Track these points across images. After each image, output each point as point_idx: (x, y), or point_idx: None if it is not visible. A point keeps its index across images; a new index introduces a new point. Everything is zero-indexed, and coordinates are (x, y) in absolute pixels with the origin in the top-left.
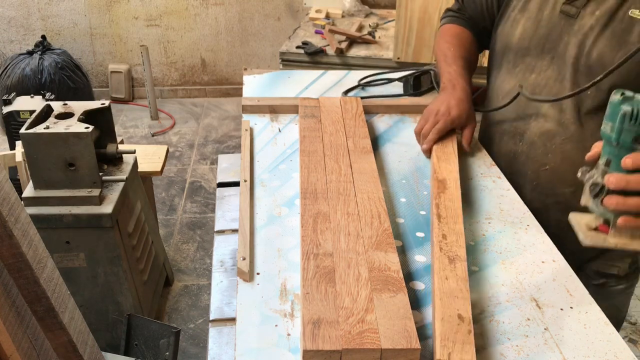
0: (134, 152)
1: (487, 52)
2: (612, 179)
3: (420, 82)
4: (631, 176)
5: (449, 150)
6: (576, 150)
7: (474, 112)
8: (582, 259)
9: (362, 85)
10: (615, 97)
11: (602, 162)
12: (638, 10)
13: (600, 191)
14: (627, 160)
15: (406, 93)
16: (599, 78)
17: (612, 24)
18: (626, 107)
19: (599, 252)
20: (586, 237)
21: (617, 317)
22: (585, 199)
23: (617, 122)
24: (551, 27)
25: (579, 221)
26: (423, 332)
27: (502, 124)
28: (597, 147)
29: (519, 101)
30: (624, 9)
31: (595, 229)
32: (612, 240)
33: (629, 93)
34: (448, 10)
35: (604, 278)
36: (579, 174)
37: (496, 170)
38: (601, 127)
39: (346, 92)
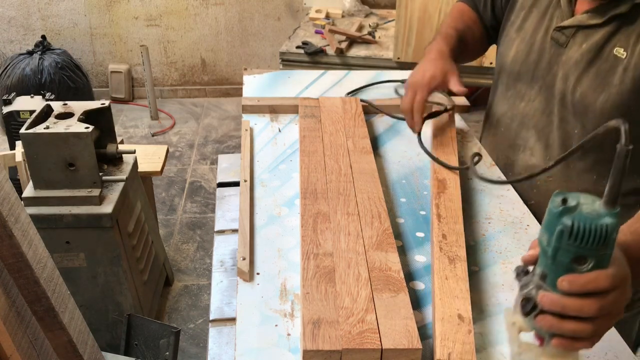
0: (134, 152)
1: (486, 53)
2: (546, 300)
3: None
4: (568, 300)
5: (449, 151)
6: (560, 189)
7: (453, 64)
8: None
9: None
10: (555, 204)
11: (538, 271)
12: (622, 49)
13: (532, 308)
14: (563, 283)
15: None
16: (562, 155)
17: (597, 61)
18: (566, 222)
19: None
20: (517, 352)
21: (627, 344)
22: (516, 310)
23: (554, 238)
24: (541, 54)
25: (512, 322)
26: (423, 332)
27: (496, 151)
28: (535, 246)
29: (509, 129)
30: (610, 46)
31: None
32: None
33: (572, 200)
34: None
35: None
36: (513, 275)
37: (496, 170)
38: (538, 234)
39: (350, 93)
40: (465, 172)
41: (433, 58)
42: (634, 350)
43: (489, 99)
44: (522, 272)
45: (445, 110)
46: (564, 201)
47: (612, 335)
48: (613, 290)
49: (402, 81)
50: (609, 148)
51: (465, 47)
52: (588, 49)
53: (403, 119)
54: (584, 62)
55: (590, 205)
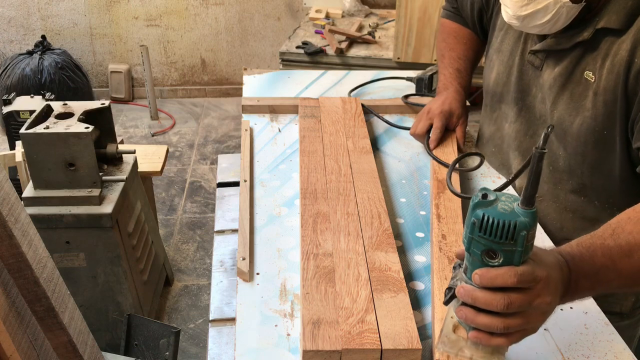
0: (134, 152)
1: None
2: (461, 291)
3: (432, 81)
4: (479, 293)
5: (449, 151)
6: (549, 209)
7: (467, 110)
8: None
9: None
10: (475, 198)
11: (463, 265)
12: (592, 73)
13: (451, 297)
14: (475, 276)
15: (418, 92)
16: (507, 180)
17: (569, 84)
18: (478, 214)
19: (599, 294)
20: (441, 341)
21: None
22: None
23: (468, 229)
24: (520, 76)
25: (451, 315)
26: (423, 332)
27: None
28: None
29: (500, 150)
30: (580, 69)
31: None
32: (467, 352)
33: (492, 196)
34: (447, 2)
35: (607, 314)
36: (452, 268)
37: (496, 170)
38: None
39: (351, 90)
40: (465, 172)
41: (451, 97)
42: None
43: (481, 116)
44: (457, 266)
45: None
46: (484, 196)
47: (613, 336)
48: (523, 287)
49: (406, 78)
50: (589, 173)
51: (473, 70)
52: (560, 73)
53: (403, 128)
54: (557, 86)
55: (508, 203)
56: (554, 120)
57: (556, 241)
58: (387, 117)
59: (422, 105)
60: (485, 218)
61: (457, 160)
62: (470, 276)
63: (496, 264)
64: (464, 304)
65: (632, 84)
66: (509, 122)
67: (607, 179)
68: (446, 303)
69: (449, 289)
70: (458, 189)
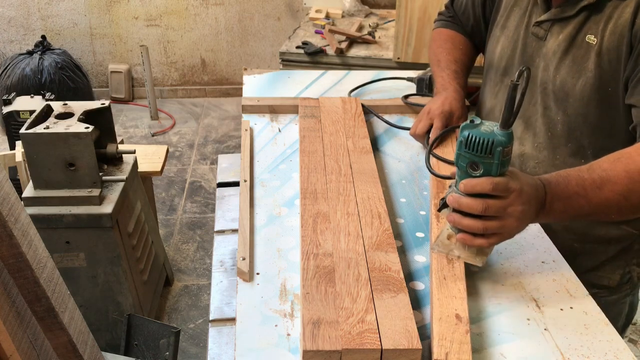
0: (134, 152)
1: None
2: (450, 199)
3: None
4: (464, 199)
5: (448, 150)
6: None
7: (466, 110)
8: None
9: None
10: (464, 123)
11: (454, 181)
12: (593, 36)
13: (442, 206)
14: (460, 185)
15: (419, 92)
16: (442, 132)
17: (572, 49)
18: (464, 133)
19: (590, 268)
20: (435, 243)
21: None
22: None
23: (457, 146)
24: (524, 49)
25: (446, 228)
26: (423, 332)
27: None
28: None
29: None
30: (582, 35)
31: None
32: (456, 252)
33: (477, 120)
34: (440, 14)
35: (595, 289)
36: (448, 187)
37: None
38: None
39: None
40: None
41: (451, 97)
42: (621, 333)
43: (478, 97)
44: (451, 185)
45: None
46: (472, 121)
47: (613, 336)
48: (499, 196)
49: (407, 79)
50: (589, 133)
51: (467, 73)
52: (563, 39)
53: (402, 128)
54: (560, 52)
55: (489, 127)
56: (556, 85)
57: None
58: (387, 117)
59: (422, 105)
60: (470, 136)
61: (438, 137)
62: (457, 187)
63: (477, 174)
64: (454, 210)
65: (632, 42)
66: None
67: (607, 138)
68: (439, 210)
69: (442, 199)
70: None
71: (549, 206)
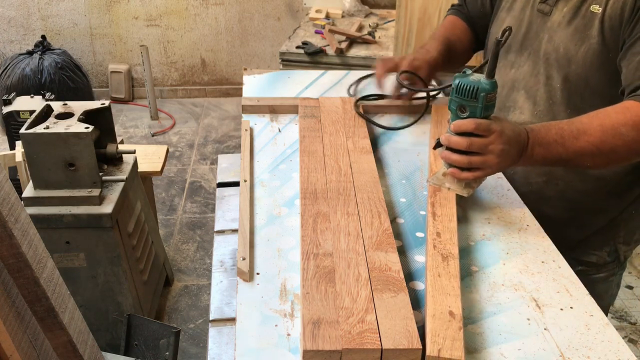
0: (134, 152)
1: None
2: (442, 137)
3: None
4: (453, 137)
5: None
6: None
7: (433, 74)
8: (561, 245)
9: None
10: (458, 73)
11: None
12: (598, 6)
13: (437, 145)
14: (451, 126)
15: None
16: (482, 63)
17: (576, 19)
18: (455, 81)
19: (578, 240)
20: (431, 177)
21: (598, 305)
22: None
23: (450, 93)
24: (529, 25)
25: (442, 168)
26: (423, 332)
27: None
28: None
29: (499, 95)
30: (586, 5)
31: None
32: (447, 185)
33: (469, 72)
34: (453, 5)
35: (583, 265)
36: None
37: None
38: None
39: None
40: None
41: (421, 57)
42: (606, 312)
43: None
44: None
45: (429, 93)
46: (464, 72)
47: (614, 337)
48: (482, 135)
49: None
50: (588, 97)
51: (453, 55)
52: (568, 11)
53: (398, 129)
54: (565, 22)
55: (477, 77)
56: (559, 53)
57: (553, 180)
58: (387, 117)
59: (418, 89)
60: (460, 83)
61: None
62: (449, 129)
63: (465, 116)
64: (446, 148)
65: (633, 8)
66: (515, 67)
67: (605, 104)
68: (434, 148)
69: (438, 139)
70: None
71: (531, 151)
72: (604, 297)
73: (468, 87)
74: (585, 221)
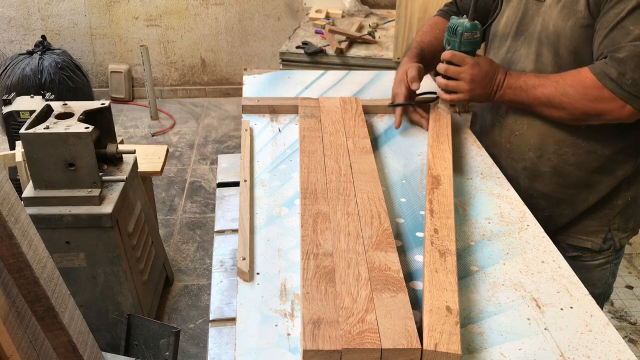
0: (134, 152)
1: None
2: (438, 66)
3: None
4: (441, 65)
5: (444, 148)
6: (540, 117)
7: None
8: (555, 225)
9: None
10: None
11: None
12: None
13: (436, 73)
14: (441, 56)
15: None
16: (400, 102)
17: None
18: (448, 23)
19: (571, 220)
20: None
21: (592, 293)
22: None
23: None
24: (525, 13)
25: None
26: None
27: None
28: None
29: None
30: None
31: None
32: (439, 105)
33: (464, 17)
34: (445, 5)
35: (577, 251)
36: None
37: (496, 170)
38: None
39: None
40: (465, 172)
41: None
42: (600, 302)
43: None
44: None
45: (433, 98)
46: (459, 17)
47: (614, 337)
48: (455, 62)
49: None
50: (578, 67)
51: (433, 56)
52: None
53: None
54: (555, 2)
55: (463, 19)
56: (549, 31)
57: (546, 154)
58: (387, 117)
59: (412, 104)
60: (450, 23)
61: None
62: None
63: (449, 48)
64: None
65: None
66: (511, 52)
67: None
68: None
69: (436, 70)
70: (452, 185)
71: (503, 91)
72: (597, 285)
73: (452, 26)
74: (578, 198)
